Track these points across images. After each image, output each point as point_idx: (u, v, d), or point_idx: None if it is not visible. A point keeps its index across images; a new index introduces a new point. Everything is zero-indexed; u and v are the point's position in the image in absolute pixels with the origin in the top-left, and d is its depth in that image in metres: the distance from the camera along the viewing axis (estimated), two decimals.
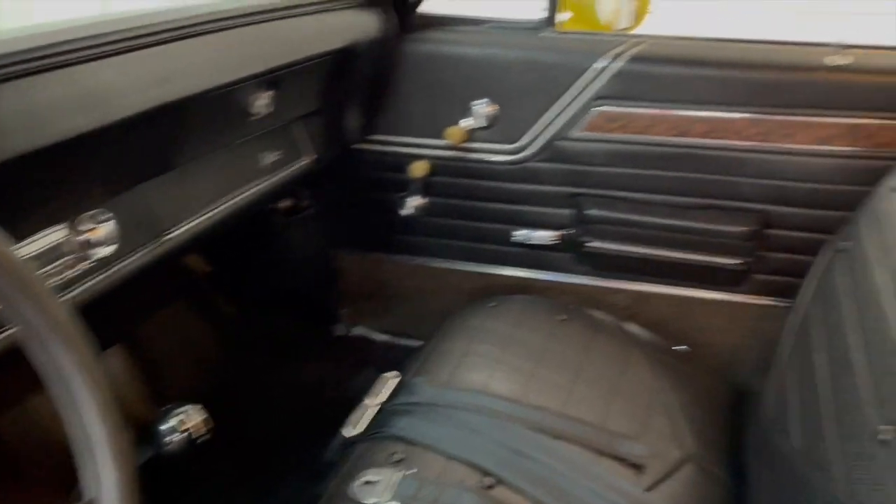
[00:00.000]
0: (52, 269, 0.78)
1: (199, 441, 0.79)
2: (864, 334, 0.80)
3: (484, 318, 1.21)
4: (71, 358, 0.44)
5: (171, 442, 0.76)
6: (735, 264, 1.29)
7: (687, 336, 1.40)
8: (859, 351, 0.79)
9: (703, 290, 1.36)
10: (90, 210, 0.84)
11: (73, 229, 0.81)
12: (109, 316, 0.88)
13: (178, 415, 0.78)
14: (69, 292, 0.80)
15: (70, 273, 0.80)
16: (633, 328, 1.27)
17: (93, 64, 0.73)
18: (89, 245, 0.82)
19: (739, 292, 1.34)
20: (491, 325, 1.19)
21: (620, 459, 0.93)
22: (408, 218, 1.50)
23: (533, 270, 1.48)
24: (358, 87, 1.32)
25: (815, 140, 1.20)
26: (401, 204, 1.48)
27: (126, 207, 0.90)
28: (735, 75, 1.22)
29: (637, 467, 0.93)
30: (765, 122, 1.21)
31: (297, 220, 1.57)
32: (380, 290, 1.62)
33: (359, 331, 1.68)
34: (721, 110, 1.23)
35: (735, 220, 1.27)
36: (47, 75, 0.68)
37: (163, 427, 0.76)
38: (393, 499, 0.81)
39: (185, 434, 0.78)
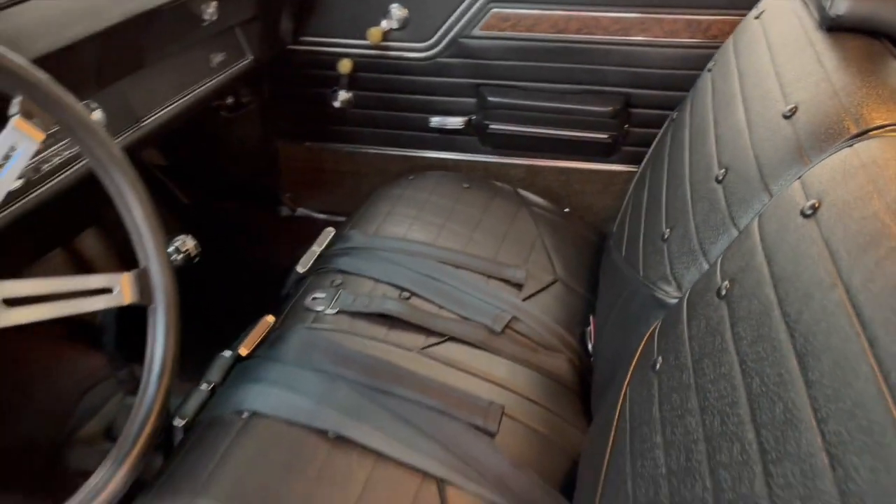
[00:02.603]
0: (60, 146, 1.02)
1: (194, 260, 1.06)
2: (668, 175, 1.12)
3: (404, 189, 1.49)
4: (123, 178, 0.71)
5: (175, 260, 1.03)
6: (604, 138, 1.60)
7: (570, 201, 1.73)
8: (665, 187, 1.11)
9: (582, 162, 1.68)
10: (83, 101, 1.07)
11: None
12: (92, 193, 1.12)
13: (175, 242, 1.04)
14: (73, 165, 1.04)
15: (70, 152, 1.04)
16: (525, 194, 1.58)
17: None
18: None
19: (610, 162, 1.65)
20: (409, 193, 1.47)
21: (505, 281, 1.25)
22: (339, 110, 1.75)
23: (447, 152, 1.76)
24: None
25: (664, 34, 1.49)
26: (332, 97, 1.73)
27: (109, 99, 1.13)
28: None
29: (517, 286, 1.25)
30: (625, 20, 1.49)
31: (240, 114, 1.80)
32: (318, 175, 1.89)
33: (301, 212, 1.95)
34: (590, 10, 1.50)
35: (604, 102, 1.57)
36: None
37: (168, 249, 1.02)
38: (334, 307, 1.11)
39: (185, 254, 1.05)
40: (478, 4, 1.55)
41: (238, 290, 1.54)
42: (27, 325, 1.21)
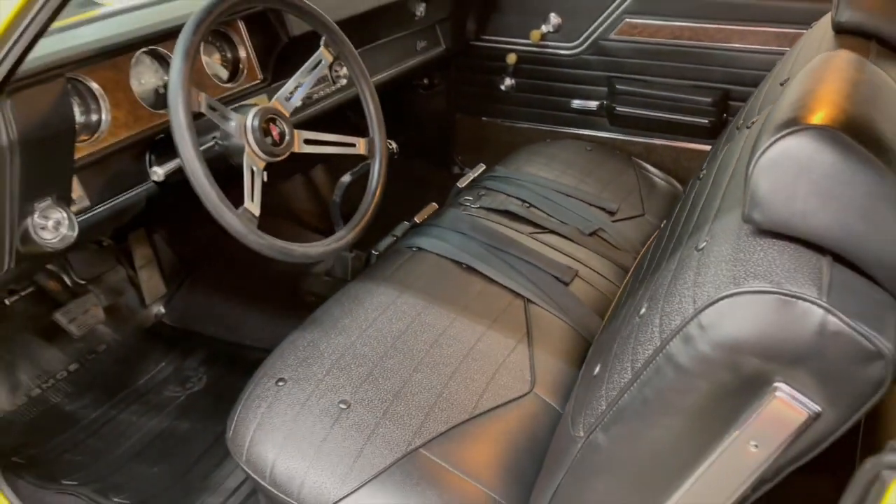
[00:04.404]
0: (326, 83, 1.66)
1: (395, 156, 1.67)
2: (721, 136, 1.56)
3: (542, 147, 2.02)
4: (366, 87, 1.31)
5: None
6: (704, 122, 2.03)
7: (678, 174, 2.16)
8: (718, 141, 1.55)
9: (688, 143, 2.11)
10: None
11: (332, 69, 1.69)
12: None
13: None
14: (328, 100, 1.68)
15: (330, 88, 1.68)
16: (638, 161, 2.04)
17: None
18: (339, 77, 1.70)
19: (711, 144, 2.07)
20: (545, 150, 1.99)
21: (601, 208, 1.74)
22: (504, 93, 2.32)
23: (582, 129, 2.27)
24: (477, 2, 2.14)
25: (758, 42, 1.91)
26: (500, 83, 2.30)
27: None
28: (711, 0, 1.93)
29: (610, 212, 1.73)
30: (727, 30, 1.93)
31: (432, 92, 2.43)
32: (484, 143, 2.46)
33: (468, 171, 2.53)
34: (700, 22, 1.95)
35: (706, 94, 2.00)
36: None
37: None
38: (476, 203, 1.66)
39: (391, 149, 1.65)
40: (615, 15, 2.06)
41: (418, 200, 2.15)
42: (285, 218, 1.90)
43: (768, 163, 0.70)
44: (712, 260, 0.76)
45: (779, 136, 0.70)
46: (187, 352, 1.76)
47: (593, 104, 2.20)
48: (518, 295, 1.40)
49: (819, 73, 0.87)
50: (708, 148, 2.06)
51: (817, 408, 0.68)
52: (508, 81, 2.29)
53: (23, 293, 1.52)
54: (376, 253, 1.56)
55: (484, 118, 2.42)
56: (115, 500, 1.34)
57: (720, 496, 0.76)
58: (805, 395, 0.69)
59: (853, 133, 0.69)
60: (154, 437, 1.53)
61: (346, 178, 1.61)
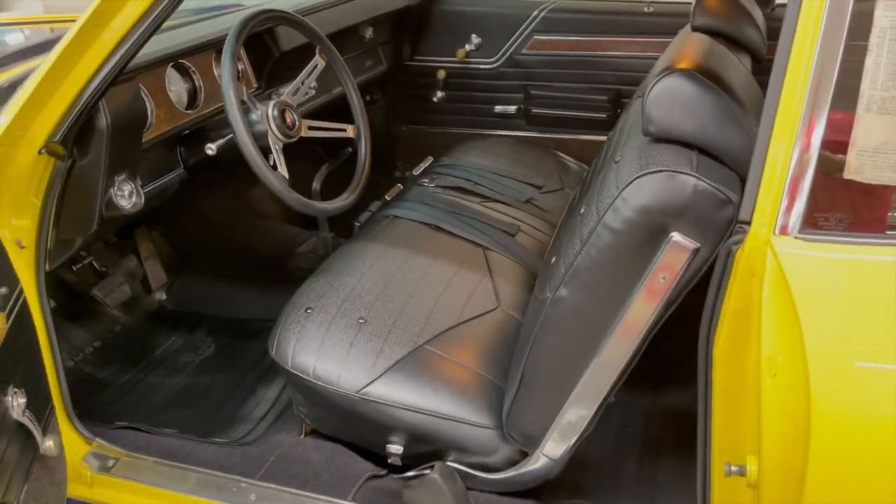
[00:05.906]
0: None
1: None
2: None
3: (476, 143, 2.43)
4: (349, 82, 1.69)
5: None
6: (603, 117, 2.50)
7: (586, 161, 2.62)
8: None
9: (592, 135, 2.58)
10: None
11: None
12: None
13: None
14: (313, 100, 2.03)
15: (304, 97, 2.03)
16: (555, 151, 2.48)
17: (322, 12, 1.97)
18: (310, 88, 2.05)
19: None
20: (478, 145, 2.40)
21: (530, 184, 2.16)
22: (437, 104, 2.73)
23: (505, 130, 2.70)
24: (411, 27, 2.55)
25: (639, 49, 2.40)
26: (433, 95, 2.71)
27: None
28: (601, 18, 2.42)
29: (538, 187, 2.15)
30: (617, 42, 2.42)
31: (374, 108, 2.81)
32: (422, 149, 2.84)
33: (409, 174, 2.91)
34: (593, 36, 2.43)
35: (604, 94, 2.48)
36: (314, 15, 1.91)
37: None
38: (433, 183, 2.04)
39: (348, 149, 2.03)
40: (525, 34, 2.51)
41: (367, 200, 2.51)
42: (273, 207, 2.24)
43: (655, 94, 1.12)
44: (625, 163, 1.17)
45: (659, 78, 1.13)
46: (193, 327, 2.04)
47: (512, 108, 2.64)
48: (477, 244, 1.79)
49: (681, 45, 1.31)
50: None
51: (697, 245, 1.09)
52: (440, 94, 2.70)
53: (84, 262, 1.78)
54: (358, 224, 1.92)
55: (421, 126, 2.82)
56: (166, 430, 1.61)
57: (645, 317, 1.16)
58: (689, 238, 1.10)
59: (702, 74, 1.12)
60: (180, 390, 1.81)
61: (322, 171, 1.99)
